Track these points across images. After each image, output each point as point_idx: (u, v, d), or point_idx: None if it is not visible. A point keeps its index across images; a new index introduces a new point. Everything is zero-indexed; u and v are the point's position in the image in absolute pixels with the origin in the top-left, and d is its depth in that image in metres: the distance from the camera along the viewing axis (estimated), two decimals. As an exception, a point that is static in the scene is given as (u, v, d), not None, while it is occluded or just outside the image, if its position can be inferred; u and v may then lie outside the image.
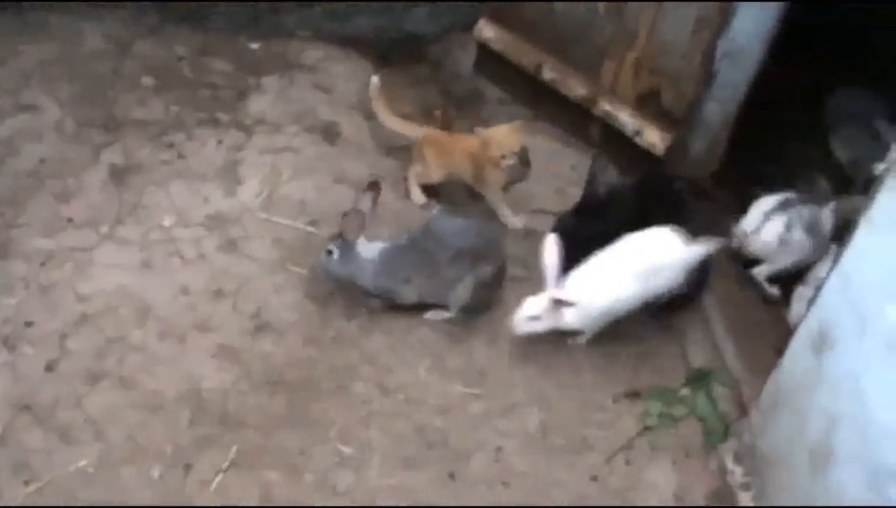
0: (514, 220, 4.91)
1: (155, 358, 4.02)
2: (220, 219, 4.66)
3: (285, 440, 3.80)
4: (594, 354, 4.35)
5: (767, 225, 4.49)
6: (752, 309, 4.55)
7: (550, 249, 4.08)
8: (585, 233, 4.41)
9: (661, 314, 4.50)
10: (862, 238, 3.19)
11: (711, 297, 4.54)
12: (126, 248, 4.46)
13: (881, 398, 3.08)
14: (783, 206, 4.51)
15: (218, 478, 3.65)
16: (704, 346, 4.39)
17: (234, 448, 3.73)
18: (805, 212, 4.50)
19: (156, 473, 3.63)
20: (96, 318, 4.13)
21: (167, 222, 4.60)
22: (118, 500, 3.54)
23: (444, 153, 4.87)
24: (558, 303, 4.04)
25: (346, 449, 3.80)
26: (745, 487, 3.83)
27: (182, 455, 3.71)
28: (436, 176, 4.92)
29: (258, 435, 3.80)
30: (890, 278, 3.06)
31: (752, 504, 3.79)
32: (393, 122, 5.06)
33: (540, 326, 4.11)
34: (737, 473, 3.89)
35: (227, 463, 3.69)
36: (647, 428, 4.09)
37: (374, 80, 5.05)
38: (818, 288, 3.45)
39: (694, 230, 4.50)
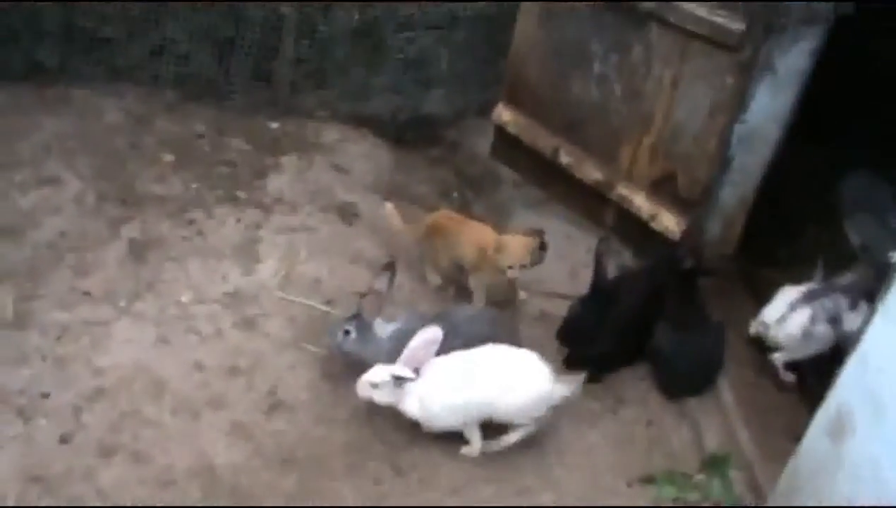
0: (480, 300, 4.92)
1: (168, 434, 4.01)
2: (237, 296, 4.69)
3: (297, 518, 3.78)
4: (607, 437, 4.34)
5: (793, 316, 4.49)
6: (767, 395, 4.54)
7: (428, 332, 4.00)
8: (595, 318, 4.43)
9: (675, 395, 4.51)
10: (879, 325, 3.20)
11: (726, 382, 4.54)
12: (142, 323, 4.47)
13: (900, 482, 3.08)
14: (808, 298, 4.52)
15: (230, 556, 3.63)
16: (718, 431, 4.37)
17: (246, 526, 3.72)
18: (828, 303, 4.50)
19: (167, 549, 3.62)
20: (111, 392, 4.13)
21: (184, 298, 4.62)
22: (128, 577, 3.53)
23: (451, 240, 4.88)
24: (397, 380, 3.97)
25: (359, 528, 3.78)
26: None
27: (193, 531, 3.68)
28: (443, 261, 4.94)
29: (270, 513, 3.78)
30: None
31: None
32: (413, 240, 5.09)
33: (378, 396, 4.02)
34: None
35: (239, 540, 3.67)
36: (661, 513, 4.07)
37: (389, 206, 5.09)
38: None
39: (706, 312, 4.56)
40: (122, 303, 4.54)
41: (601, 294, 4.50)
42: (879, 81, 5.77)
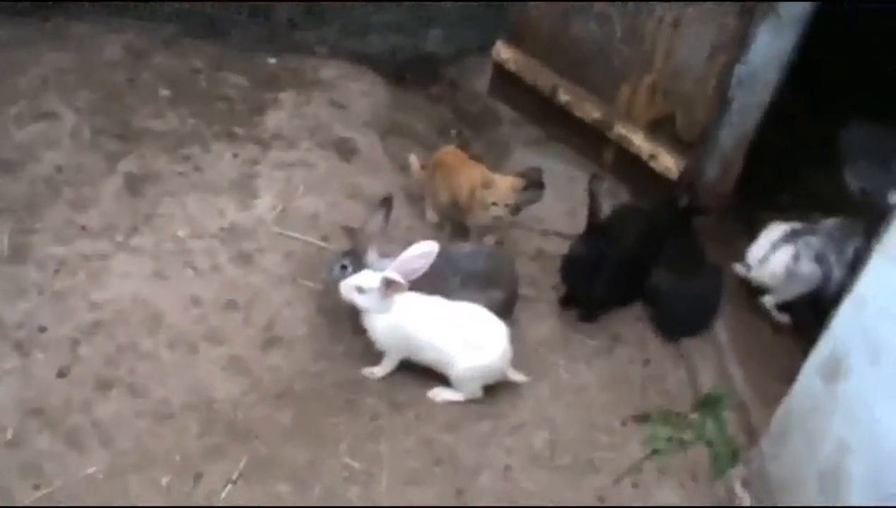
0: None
1: (165, 368, 4.03)
2: (234, 231, 4.68)
3: (294, 453, 3.80)
4: (603, 376, 4.36)
5: (775, 254, 4.51)
6: (763, 337, 4.57)
7: (424, 245, 4.00)
8: (595, 256, 4.43)
9: (672, 336, 4.53)
10: (877, 265, 3.20)
11: (722, 323, 4.55)
12: (139, 258, 4.47)
13: (894, 425, 3.09)
14: (791, 236, 4.53)
15: (227, 489, 3.64)
16: (714, 371, 4.39)
17: (243, 460, 3.73)
18: (814, 241, 4.51)
19: (164, 482, 3.63)
20: (108, 326, 4.14)
21: (181, 233, 4.62)
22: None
23: (451, 176, 4.86)
24: (389, 285, 3.94)
25: (355, 464, 3.80)
26: (752, 512, 3.83)
27: (191, 464, 3.70)
28: (443, 197, 4.91)
29: (267, 447, 3.80)
30: (905, 304, 3.08)
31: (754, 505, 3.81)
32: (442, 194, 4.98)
33: (361, 301, 4.01)
34: (745, 499, 3.88)
35: (236, 474, 3.68)
36: (654, 452, 4.08)
37: (413, 158, 5.15)
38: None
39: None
40: (119, 238, 4.54)
41: (597, 231, 4.50)
42: (882, 30, 5.73)
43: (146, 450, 3.72)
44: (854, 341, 3.29)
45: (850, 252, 4.49)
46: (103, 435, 3.73)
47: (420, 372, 4.16)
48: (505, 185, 4.61)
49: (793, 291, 4.54)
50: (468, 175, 4.79)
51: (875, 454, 3.16)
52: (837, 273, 4.48)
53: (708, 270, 4.66)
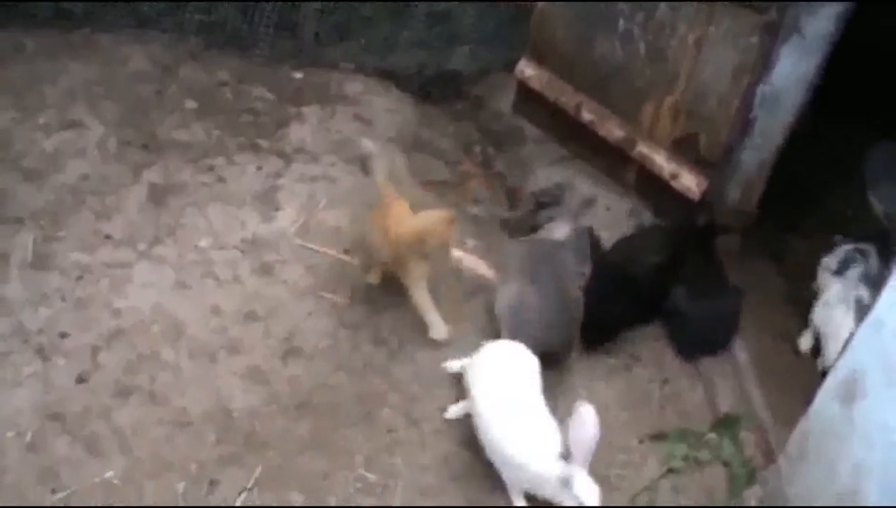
0: (441, 330, 4.37)
1: (185, 377, 4.06)
2: (256, 243, 4.71)
3: (310, 463, 3.82)
4: (621, 395, 4.36)
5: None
6: (782, 358, 4.55)
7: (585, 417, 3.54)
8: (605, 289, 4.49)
9: (690, 356, 4.53)
10: (894, 288, 3.20)
11: (741, 343, 4.54)
12: (162, 267, 4.51)
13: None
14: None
15: (241, 497, 3.67)
16: (732, 391, 4.38)
17: (258, 469, 3.76)
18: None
19: (180, 489, 3.66)
20: (129, 334, 4.18)
21: (203, 243, 4.65)
22: (143, 514, 3.58)
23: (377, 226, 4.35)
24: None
25: (370, 476, 3.82)
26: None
27: (207, 472, 3.73)
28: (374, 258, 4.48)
29: (283, 458, 3.82)
30: (921, 328, 3.07)
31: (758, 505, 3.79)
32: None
33: None
34: (761, 519, 3.88)
35: (251, 483, 3.71)
36: (671, 471, 4.08)
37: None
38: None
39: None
40: (142, 247, 4.57)
41: (606, 267, 4.51)
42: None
43: (163, 457, 3.75)
44: (871, 363, 3.29)
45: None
46: (121, 442, 3.77)
47: (438, 387, 4.19)
48: (432, 222, 4.20)
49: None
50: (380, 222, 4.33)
51: (892, 476, 3.15)
52: None
53: (727, 290, 4.65)
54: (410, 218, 4.26)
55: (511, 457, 3.66)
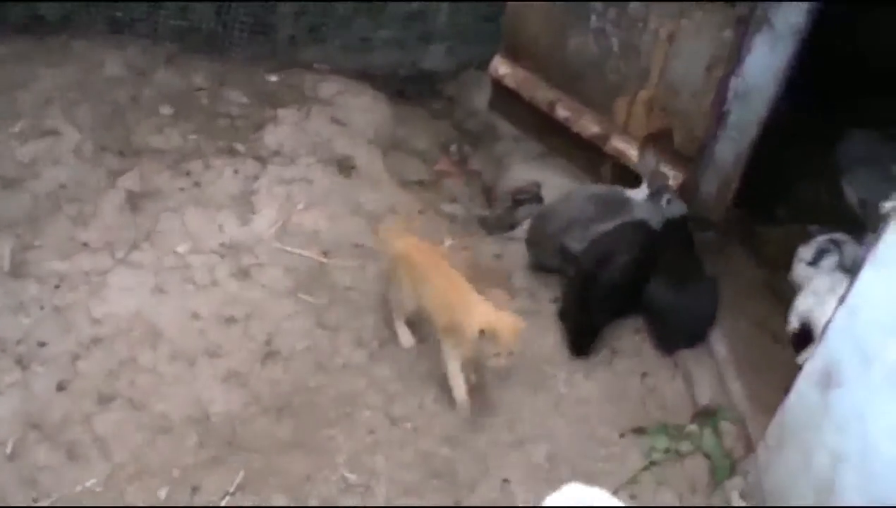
0: (461, 397, 4.10)
1: (165, 381, 4.07)
2: (234, 246, 4.71)
3: (292, 465, 3.84)
4: (602, 389, 4.37)
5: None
6: (760, 348, 4.56)
7: None
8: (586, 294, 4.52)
9: (669, 348, 4.54)
10: (868, 275, 3.22)
11: (720, 335, 4.55)
12: (140, 273, 4.50)
13: (885, 434, 3.10)
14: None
15: (224, 501, 3.68)
16: (711, 383, 4.39)
17: (240, 472, 3.77)
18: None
19: (162, 494, 3.67)
20: (108, 340, 4.18)
21: (181, 248, 4.65)
22: (125, 520, 3.59)
23: (418, 277, 4.18)
24: None
25: (352, 476, 3.83)
26: (751, 523, 3.84)
27: (189, 476, 3.75)
28: (409, 304, 4.28)
29: (265, 460, 3.84)
30: (894, 314, 3.08)
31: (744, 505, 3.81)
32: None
33: None
34: (742, 509, 3.90)
35: (233, 486, 3.73)
36: (652, 463, 4.10)
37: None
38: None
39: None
40: (120, 253, 4.57)
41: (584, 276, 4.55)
42: (879, 39, 5.74)
43: (144, 463, 3.76)
44: (846, 351, 3.30)
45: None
46: (102, 448, 3.78)
47: (418, 385, 4.21)
48: (503, 324, 3.82)
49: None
50: (441, 288, 4.09)
51: (867, 464, 3.17)
52: None
53: (705, 282, 4.66)
54: (480, 307, 3.93)
55: None
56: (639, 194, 4.75)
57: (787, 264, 4.74)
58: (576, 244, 4.63)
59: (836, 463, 3.32)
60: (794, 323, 4.49)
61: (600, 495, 3.59)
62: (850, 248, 4.57)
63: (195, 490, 3.71)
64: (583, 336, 4.53)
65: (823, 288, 4.42)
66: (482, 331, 3.76)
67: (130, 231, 4.69)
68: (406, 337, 4.37)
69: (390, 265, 4.34)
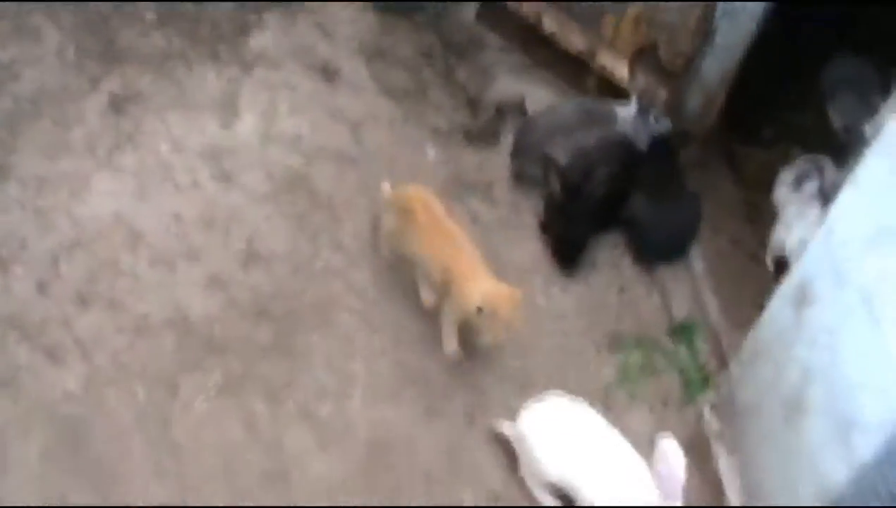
0: (451, 346, 4.05)
1: (144, 284, 4.07)
2: (216, 150, 4.67)
3: (269, 369, 3.88)
4: (577, 302, 4.41)
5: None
6: (737, 265, 4.60)
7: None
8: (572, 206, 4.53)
9: (648, 263, 4.57)
10: (846, 197, 3.25)
11: (698, 251, 4.59)
12: (121, 176, 4.47)
13: (853, 351, 3.15)
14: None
15: (202, 402, 3.73)
16: (688, 299, 4.44)
17: (218, 374, 3.81)
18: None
19: (140, 395, 3.70)
20: (89, 243, 4.16)
21: (163, 151, 4.61)
22: (102, 419, 3.62)
23: (414, 236, 4.09)
24: None
25: (329, 381, 3.87)
26: (719, 436, 3.90)
27: (168, 378, 3.78)
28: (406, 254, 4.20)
29: (243, 363, 3.87)
30: (869, 235, 3.12)
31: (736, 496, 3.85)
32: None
33: None
34: (713, 423, 3.95)
35: (212, 388, 3.77)
36: (626, 377, 4.15)
37: (386, 187, 4.46)
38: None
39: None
40: (102, 156, 4.53)
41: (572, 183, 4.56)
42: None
43: (123, 364, 3.78)
44: (821, 270, 3.36)
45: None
46: (81, 350, 3.79)
47: (397, 291, 4.25)
48: (500, 297, 3.83)
49: None
50: (438, 247, 4.03)
51: (835, 379, 3.23)
52: None
53: (686, 198, 4.68)
54: (480, 277, 3.91)
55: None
56: (627, 110, 4.74)
57: (768, 185, 4.76)
58: (559, 152, 4.62)
59: (805, 379, 3.38)
60: (773, 253, 4.53)
61: (580, 405, 3.70)
62: (832, 173, 4.58)
63: (173, 391, 3.74)
64: (569, 249, 4.56)
65: (801, 217, 4.45)
66: (480, 309, 3.74)
67: (112, 133, 4.64)
68: (426, 292, 4.20)
69: (393, 215, 4.23)
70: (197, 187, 4.49)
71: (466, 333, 4.02)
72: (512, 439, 3.79)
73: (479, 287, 3.83)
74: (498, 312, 3.75)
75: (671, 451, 3.47)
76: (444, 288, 3.97)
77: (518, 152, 4.81)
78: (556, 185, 4.60)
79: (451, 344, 4.04)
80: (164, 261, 4.17)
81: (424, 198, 4.14)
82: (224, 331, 3.96)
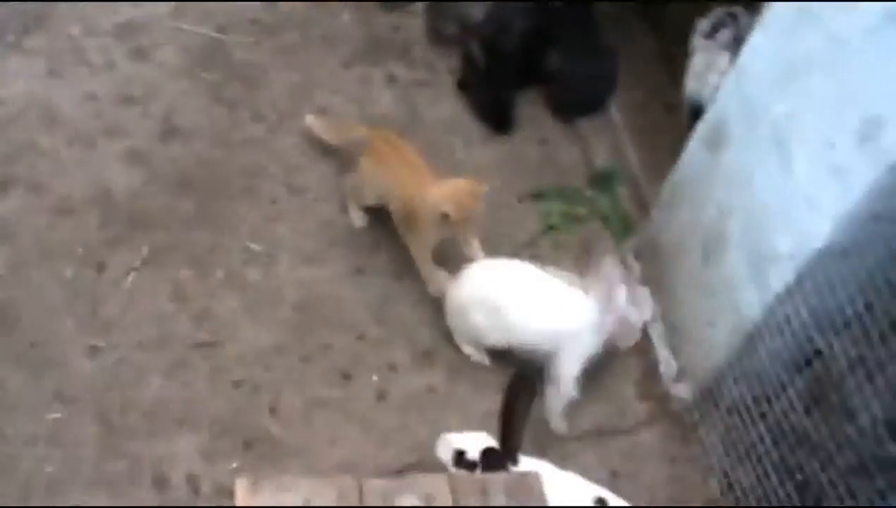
0: (436, 284, 3.87)
1: (64, 164, 4.06)
2: (130, 27, 4.61)
3: (195, 239, 3.90)
4: (498, 157, 4.43)
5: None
6: (655, 116, 4.63)
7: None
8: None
9: (568, 117, 4.60)
10: (757, 38, 3.29)
11: (617, 103, 4.62)
12: (33, 58, 4.41)
13: (766, 188, 3.22)
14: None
15: (130, 277, 3.75)
16: (608, 150, 4.48)
17: (145, 248, 3.82)
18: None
19: (68, 273, 3.72)
20: (4, 125, 4.13)
21: (75, 31, 4.55)
22: (31, 301, 3.64)
23: (380, 171, 3.95)
24: None
25: (255, 246, 3.91)
26: (643, 280, 3.98)
27: (94, 255, 3.79)
28: (369, 197, 4.05)
29: (169, 235, 3.89)
30: (778, 76, 3.17)
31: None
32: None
33: None
34: (636, 269, 4.03)
35: (138, 262, 3.78)
36: (550, 227, 4.20)
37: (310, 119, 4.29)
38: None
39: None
40: (11, 38, 4.46)
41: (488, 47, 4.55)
42: None
43: (48, 245, 3.79)
44: (735, 110, 3.40)
45: None
46: (4, 232, 3.80)
47: (315, 158, 4.26)
48: (461, 192, 3.70)
49: None
50: (402, 174, 3.89)
51: (751, 216, 3.30)
52: None
53: (604, 51, 4.69)
54: (432, 183, 3.78)
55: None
56: None
57: (686, 37, 4.76)
58: (474, 10, 4.61)
59: (723, 218, 3.44)
60: (687, 102, 4.57)
61: (506, 263, 3.73)
62: (747, 21, 4.60)
63: (101, 267, 3.75)
64: (497, 109, 4.58)
65: (712, 66, 4.48)
66: (444, 214, 3.60)
67: (20, 16, 4.56)
68: (358, 218, 4.09)
69: (352, 151, 4.09)
70: (111, 66, 4.44)
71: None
72: (443, 299, 3.81)
73: (436, 192, 3.70)
74: (463, 206, 3.63)
75: (607, 266, 3.55)
76: (409, 219, 3.84)
77: (433, 11, 4.79)
78: (474, 45, 4.58)
79: (435, 281, 3.86)
80: (82, 140, 4.14)
81: (379, 135, 4.04)
82: (147, 205, 3.97)
